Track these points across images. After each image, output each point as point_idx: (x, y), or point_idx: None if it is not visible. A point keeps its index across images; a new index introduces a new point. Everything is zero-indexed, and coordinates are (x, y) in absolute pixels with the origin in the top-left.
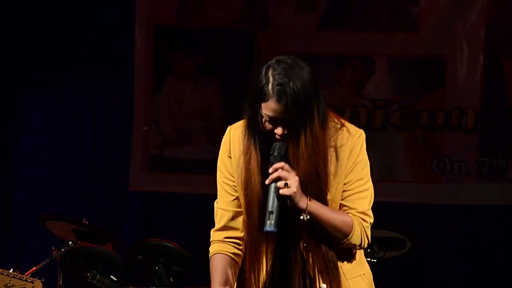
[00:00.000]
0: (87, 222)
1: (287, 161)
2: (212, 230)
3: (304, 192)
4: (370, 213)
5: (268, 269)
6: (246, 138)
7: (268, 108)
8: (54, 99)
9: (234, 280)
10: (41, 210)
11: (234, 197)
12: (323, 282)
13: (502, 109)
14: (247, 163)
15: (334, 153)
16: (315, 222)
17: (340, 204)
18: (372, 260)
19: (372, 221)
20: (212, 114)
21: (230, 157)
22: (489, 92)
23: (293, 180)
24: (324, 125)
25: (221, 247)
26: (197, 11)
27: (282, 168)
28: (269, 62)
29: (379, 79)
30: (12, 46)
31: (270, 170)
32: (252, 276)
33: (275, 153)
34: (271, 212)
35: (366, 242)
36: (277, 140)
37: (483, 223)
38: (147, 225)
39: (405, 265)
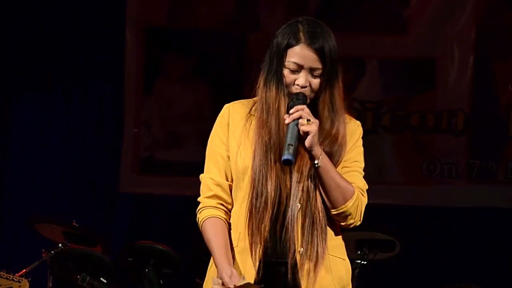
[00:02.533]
0: (77, 225)
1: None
2: (200, 198)
3: (323, 143)
4: (366, 194)
5: (268, 225)
6: (273, 88)
7: (298, 54)
8: (44, 101)
9: (228, 242)
10: (31, 212)
11: (225, 168)
12: (303, 245)
13: (492, 111)
14: (272, 109)
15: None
16: (323, 174)
17: None
18: (362, 262)
19: (366, 201)
20: (202, 116)
21: (228, 125)
22: (479, 94)
23: (315, 120)
24: (342, 97)
25: (215, 212)
26: (187, 13)
27: (303, 110)
28: (296, 19)
29: (369, 81)
30: (3, 48)
31: (292, 111)
32: (250, 233)
33: (294, 99)
34: (290, 145)
35: (359, 218)
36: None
37: (473, 225)
38: (137, 228)
39: (395, 267)
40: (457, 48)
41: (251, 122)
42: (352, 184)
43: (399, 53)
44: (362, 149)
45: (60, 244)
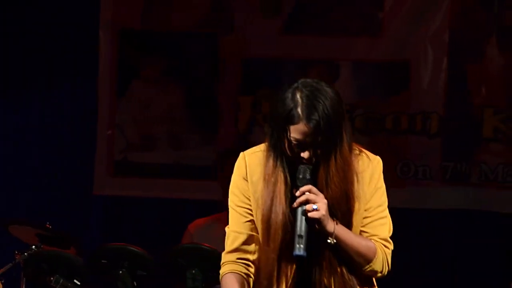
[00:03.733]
0: (50, 227)
1: (314, 184)
2: (223, 253)
3: (332, 215)
4: (390, 240)
5: None
6: (271, 161)
7: (297, 131)
8: (18, 103)
9: None
10: (3, 214)
11: (248, 219)
12: None
13: (466, 113)
14: (273, 185)
15: (356, 178)
16: (340, 246)
17: (361, 230)
18: None
19: (392, 248)
20: (176, 118)
21: (246, 180)
22: (453, 96)
23: (322, 203)
24: (351, 148)
25: (234, 267)
26: (162, 15)
27: (309, 191)
28: (295, 85)
29: (343, 83)
30: None
31: (298, 193)
32: None
33: (301, 176)
34: (300, 236)
35: (387, 269)
36: (303, 163)
37: (447, 227)
38: (111, 230)
39: None
40: (431, 50)
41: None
42: (373, 238)
43: (373, 55)
44: (383, 188)
45: (33, 246)
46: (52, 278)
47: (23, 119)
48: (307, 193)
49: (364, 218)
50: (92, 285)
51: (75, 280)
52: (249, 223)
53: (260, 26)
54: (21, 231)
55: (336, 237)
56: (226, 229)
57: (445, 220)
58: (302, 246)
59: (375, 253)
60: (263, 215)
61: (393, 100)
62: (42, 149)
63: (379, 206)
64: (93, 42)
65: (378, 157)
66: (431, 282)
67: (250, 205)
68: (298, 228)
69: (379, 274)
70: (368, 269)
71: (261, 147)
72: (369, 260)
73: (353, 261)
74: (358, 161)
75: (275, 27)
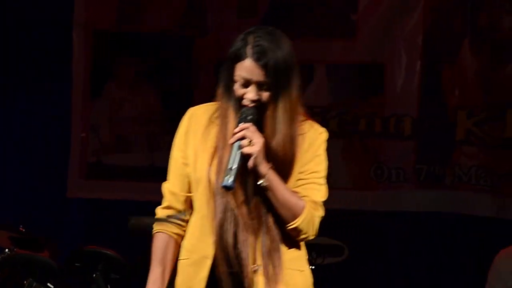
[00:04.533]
0: (23, 230)
1: (260, 130)
2: (157, 208)
3: (271, 160)
4: (322, 206)
5: (216, 239)
6: (223, 103)
7: (243, 68)
8: None
9: (173, 259)
10: None
11: (183, 177)
12: (259, 262)
13: (440, 116)
14: (224, 126)
15: (297, 141)
16: (270, 193)
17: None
18: (311, 267)
19: (323, 214)
20: (151, 120)
21: (187, 134)
22: (426, 99)
23: (258, 141)
24: (299, 100)
25: (164, 226)
26: (136, 16)
27: (247, 128)
28: (249, 29)
29: (317, 85)
30: None
31: (236, 130)
32: (200, 246)
33: (243, 116)
34: (231, 169)
35: (312, 233)
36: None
37: (421, 229)
38: (85, 233)
39: (342, 272)
40: (404, 53)
41: (210, 130)
42: (305, 198)
43: (347, 57)
44: (323, 158)
45: (6, 250)
46: (25, 282)
47: None
48: (245, 130)
49: (297, 180)
50: None
51: (48, 284)
52: (183, 180)
53: (236, 27)
54: None
55: (268, 181)
56: (163, 184)
57: (419, 223)
58: (231, 178)
59: (302, 210)
60: (194, 168)
61: (367, 103)
62: (16, 151)
63: (315, 172)
64: (67, 43)
65: (323, 129)
66: (404, 285)
67: (186, 159)
68: (230, 162)
69: (304, 236)
70: (294, 225)
71: (210, 104)
72: (296, 215)
73: (280, 212)
74: (300, 125)
75: None
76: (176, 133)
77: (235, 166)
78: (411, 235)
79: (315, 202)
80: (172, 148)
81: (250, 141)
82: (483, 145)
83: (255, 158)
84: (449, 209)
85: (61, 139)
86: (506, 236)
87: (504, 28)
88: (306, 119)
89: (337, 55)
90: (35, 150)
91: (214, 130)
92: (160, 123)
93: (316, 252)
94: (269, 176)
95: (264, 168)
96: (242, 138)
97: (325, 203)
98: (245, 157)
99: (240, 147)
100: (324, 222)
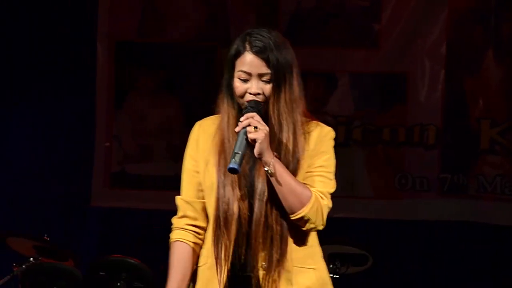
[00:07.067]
0: (48, 239)
1: (262, 119)
2: (173, 217)
3: (276, 150)
4: (329, 197)
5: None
6: (224, 103)
7: (243, 62)
8: (15, 115)
9: (191, 267)
10: (1, 227)
11: (195, 186)
12: (265, 259)
13: (463, 125)
14: (225, 123)
15: (302, 137)
16: (276, 180)
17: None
18: (335, 276)
19: (330, 205)
20: (173, 130)
21: (197, 143)
22: (450, 108)
23: (263, 128)
24: (301, 93)
25: (183, 234)
26: (158, 27)
27: (253, 117)
28: (247, 30)
29: (341, 95)
30: None
31: (242, 118)
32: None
33: (248, 106)
34: (237, 153)
35: (321, 222)
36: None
37: (445, 239)
38: (109, 242)
39: (367, 281)
40: (428, 62)
41: (217, 139)
42: (311, 188)
43: (371, 67)
44: (331, 154)
45: (31, 259)
46: None
47: (21, 130)
48: (250, 118)
49: (305, 173)
50: None
51: None
52: (196, 189)
53: None
54: (18, 244)
55: (274, 169)
56: (176, 197)
57: (442, 232)
58: (237, 160)
59: (309, 198)
60: (205, 171)
61: (390, 112)
62: (40, 161)
63: (322, 166)
64: (91, 54)
65: (330, 128)
66: None
67: (198, 168)
68: (236, 147)
69: (312, 225)
70: (301, 214)
71: (215, 116)
72: (303, 202)
73: (287, 200)
74: (306, 125)
75: None
76: (187, 145)
77: (240, 150)
78: (434, 244)
79: (322, 192)
80: (184, 158)
81: (255, 128)
82: (507, 154)
83: (260, 143)
84: (473, 218)
85: (85, 148)
86: None
87: None
88: (312, 120)
89: (361, 65)
90: (60, 159)
91: (217, 139)
92: (181, 133)
93: (340, 261)
94: (274, 163)
95: (270, 156)
96: (248, 126)
97: (349, 212)
98: (250, 143)
99: (245, 133)
100: (348, 231)
